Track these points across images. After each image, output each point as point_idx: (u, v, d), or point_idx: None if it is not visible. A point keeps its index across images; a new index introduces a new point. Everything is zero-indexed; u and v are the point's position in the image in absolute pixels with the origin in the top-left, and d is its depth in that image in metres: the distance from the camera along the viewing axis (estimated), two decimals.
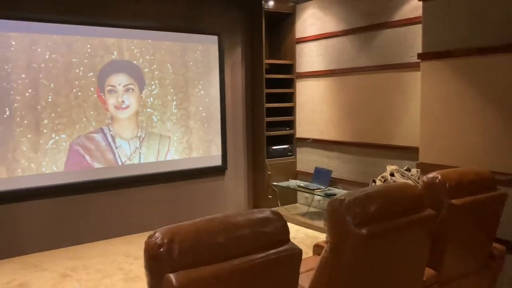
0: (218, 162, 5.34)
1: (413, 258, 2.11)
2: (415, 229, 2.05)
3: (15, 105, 4.08)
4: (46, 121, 4.23)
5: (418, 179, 3.88)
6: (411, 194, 2.15)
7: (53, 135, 4.27)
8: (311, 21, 5.37)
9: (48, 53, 4.22)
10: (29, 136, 4.15)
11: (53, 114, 4.27)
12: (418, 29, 3.84)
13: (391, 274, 2.04)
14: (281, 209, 5.39)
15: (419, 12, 3.69)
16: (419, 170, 3.80)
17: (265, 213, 1.71)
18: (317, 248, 2.85)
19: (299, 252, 1.68)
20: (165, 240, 1.44)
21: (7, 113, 4.05)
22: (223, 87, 5.33)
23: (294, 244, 1.69)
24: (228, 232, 1.57)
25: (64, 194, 4.40)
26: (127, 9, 4.67)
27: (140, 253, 1.51)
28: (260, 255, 1.58)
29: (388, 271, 2.01)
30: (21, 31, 4.08)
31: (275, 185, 5.47)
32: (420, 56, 3.41)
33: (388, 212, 1.97)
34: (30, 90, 4.14)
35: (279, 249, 1.64)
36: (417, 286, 2.21)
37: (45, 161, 4.24)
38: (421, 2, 3.40)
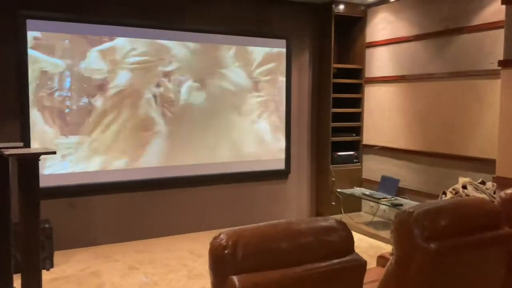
0: (281, 165, 5.36)
1: (486, 279, 1.99)
2: (490, 248, 1.93)
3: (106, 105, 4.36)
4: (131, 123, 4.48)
5: (494, 193, 3.65)
6: (486, 210, 2.02)
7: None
8: (382, 26, 5.24)
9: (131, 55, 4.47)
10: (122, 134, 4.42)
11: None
12: (498, 34, 3.62)
13: None
14: (344, 217, 5.30)
15: (500, 16, 3.48)
16: (495, 184, 3.58)
17: (330, 221, 1.69)
18: (381, 259, 2.77)
19: (364, 263, 1.64)
20: (230, 242, 1.47)
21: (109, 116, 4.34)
22: (289, 90, 5.34)
23: (359, 255, 1.66)
24: (292, 239, 1.56)
25: (136, 190, 4.62)
26: (198, 13, 4.82)
27: (204, 251, 1.56)
28: (323, 264, 1.56)
29: None
30: (100, 34, 4.35)
31: (339, 192, 5.39)
32: (501, 63, 3.22)
33: (460, 227, 1.87)
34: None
35: (343, 259, 1.61)
36: None
37: (125, 157, 4.49)
38: (503, 6, 3.21)
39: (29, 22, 4.03)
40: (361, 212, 5.62)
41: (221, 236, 1.51)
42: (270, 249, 1.51)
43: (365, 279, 2.50)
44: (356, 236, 4.89)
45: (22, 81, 4.05)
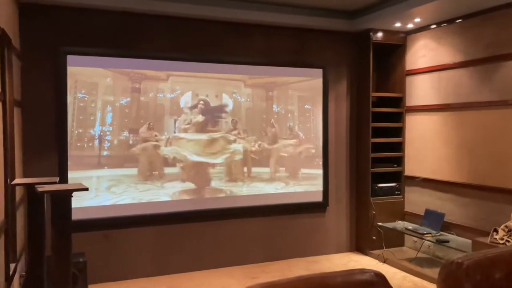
0: (319, 198, 5.18)
1: None
2: None
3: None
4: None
5: None
6: None
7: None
8: (422, 52, 5.05)
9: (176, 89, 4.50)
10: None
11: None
12: None
13: None
14: (386, 252, 5.02)
15: None
16: None
17: (367, 274, 1.53)
18: None
19: None
20: None
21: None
22: (326, 120, 5.21)
23: None
24: None
25: (171, 222, 4.57)
26: (236, 45, 4.83)
27: (238, 287, 1.43)
28: None
29: None
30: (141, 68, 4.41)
31: (380, 226, 5.14)
32: None
33: None
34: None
35: None
36: None
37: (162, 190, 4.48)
38: None
39: (69, 57, 4.13)
40: (403, 247, 5.33)
41: None
42: None
43: None
44: (399, 273, 4.62)
45: (61, 115, 4.13)
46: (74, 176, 4.16)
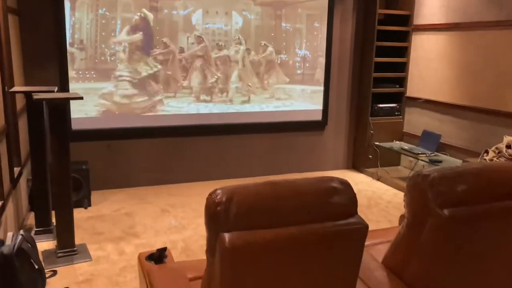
0: (318, 116, 5.22)
1: (504, 252, 1.87)
2: (510, 218, 1.80)
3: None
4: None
5: None
6: None
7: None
8: None
9: None
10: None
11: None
12: None
13: (476, 264, 1.84)
14: (380, 171, 5.16)
15: None
16: None
17: (334, 182, 1.62)
18: (402, 219, 2.67)
19: (365, 227, 1.57)
20: (224, 199, 1.44)
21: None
22: (330, 38, 5.09)
23: (361, 218, 1.59)
24: (290, 199, 1.52)
25: (173, 135, 4.70)
26: None
27: None
28: (321, 226, 1.51)
29: (473, 259, 1.81)
30: None
31: (377, 145, 5.22)
32: None
33: (479, 195, 1.75)
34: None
35: (344, 221, 1.55)
36: (508, 282, 1.97)
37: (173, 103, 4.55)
38: None
39: None
40: (399, 167, 5.45)
41: (217, 192, 1.48)
42: (265, 208, 1.47)
43: (383, 238, 2.45)
44: (392, 191, 4.78)
45: (59, 24, 4.09)
46: (92, 86, 4.23)
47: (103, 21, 4.25)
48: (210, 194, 1.49)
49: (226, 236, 1.41)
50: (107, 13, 4.24)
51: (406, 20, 5.15)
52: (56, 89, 3.39)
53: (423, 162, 4.78)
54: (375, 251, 2.22)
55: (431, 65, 4.92)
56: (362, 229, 1.57)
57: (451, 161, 4.48)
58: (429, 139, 4.86)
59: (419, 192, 1.76)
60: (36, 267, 2.61)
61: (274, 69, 4.96)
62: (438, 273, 1.78)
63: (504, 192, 1.78)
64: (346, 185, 1.63)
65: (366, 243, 2.35)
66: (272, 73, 4.96)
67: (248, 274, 1.44)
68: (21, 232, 2.65)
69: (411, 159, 5.10)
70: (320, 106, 5.20)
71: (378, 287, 1.82)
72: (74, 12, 4.13)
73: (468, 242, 1.77)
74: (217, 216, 1.43)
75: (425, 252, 1.77)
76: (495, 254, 1.86)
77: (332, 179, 1.65)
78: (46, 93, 3.03)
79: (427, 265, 1.77)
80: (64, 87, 4.15)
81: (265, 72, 4.92)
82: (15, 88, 3.27)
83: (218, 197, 1.46)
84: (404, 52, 5.22)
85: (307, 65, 5.08)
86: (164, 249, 2.04)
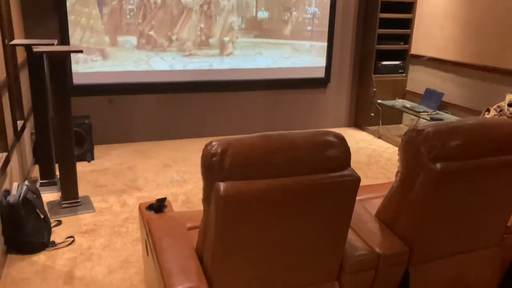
0: (321, 74, 5.19)
1: (495, 206, 1.91)
2: (502, 173, 1.83)
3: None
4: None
5: None
6: (509, 132, 1.88)
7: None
8: None
9: None
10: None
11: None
12: None
13: (466, 217, 1.89)
14: (382, 129, 5.18)
15: None
16: None
17: (328, 136, 1.64)
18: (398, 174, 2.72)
19: (357, 179, 1.61)
20: (219, 151, 1.48)
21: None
22: None
23: (354, 171, 1.63)
24: (285, 151, 1.55)
25: (175, 91, 4.70)
26: None
27: None
28: (314, 177, 1.55)
29: (463, 213, 1.86)
30: None
31: (379, 103, 5.21)
32: None
33: (472, 150, 1.77)
34: None
35: (336, 173, 1.59)
36: (495, 235, 2.03)
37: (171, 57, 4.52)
38: None
39: None
40: (401, 125, 5.46)
41: (212, 143, 1.52)
42: (259, 159, 1.51)
43: (378, 193, 2.51)
44: (392, 148, 4.81)
45: None
46: (95, 40, 4.19)
47: None
48: (206, 146, 1.52)
49: (221, 185, 1.45)
50: None
51: None
52: (56, 42, 3.38)
53: (424, 120, 4.78)
54: (370, 205, 2.27)
55: (436, 22, 4.83)
56: (354, 181, 1.61)
57: (452, 119, 4.47)
58: (432, 97, 4.84)
59: (412, 146, 1.78)
60: (42, 216, 2.70)
61: (280, 24, 4.88)
62: (428, 225, 1.83)
63: (496, 147, 1.80)
64: (340, 139, 1.65)
65: (362, 197, 2.42)
66: (278, 27, 4.89)
67: (242, 222, 1.50)
68: (26, 182, 2.72)
69: (413, 117, 5.10)
70: (322, 63, 5.15)
71: (370, 237, 1.88)
72: None
73: (458, 195, 1.81)
74: (212, 166, 1.47)
75: (416, 205, 1.82)
76: (483, 207, 1.91)
77: (327, 132, 1.67)
78: (46, 46, 3.02)
79: (418, 218, 1.83)
80: (64, 41, 4.13)
81: (270, 27, 4.85)
82: (15, 41, 3.26)
83: (214, 148, 1.49)
84: (410, 8, 5.10)
85: (317, 21, 4.99)
86: (164, 199, 2.10)
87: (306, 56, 5.07)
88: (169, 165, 4.16)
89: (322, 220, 1.63)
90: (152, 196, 3.45)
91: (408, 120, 5.37)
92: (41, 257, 2.60)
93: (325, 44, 5.08)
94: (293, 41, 4.97)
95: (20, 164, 3.33)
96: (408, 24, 5.15)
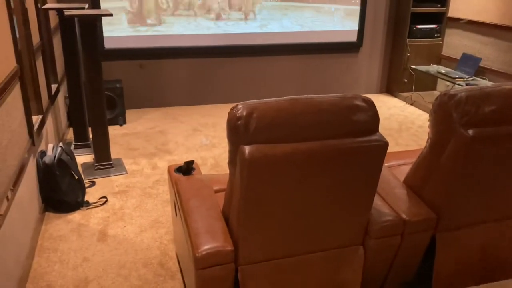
0: (353, 37, 5.05)
1: None
2: None
3: None
4: None
5: None
6: None
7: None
8: None
9: None
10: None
11: None
12: None
13: (496, 186, 1.84)
14: (415, 95, 5.04)
15: None
16: None
17: (356, 100, 1.62)
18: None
19: (385, 144, 1.59)
20: (244, 114, 1.48)
21: None
22: None
23: (382, 136, 1.60)
24: (311, 115, 1.53)
25: (205, 56, 4.69)
26: None
27: None
28: (340, 142, 1.54)
29: (493, 181, 1.82)
30: None
31: (413, 69, 5.05)
32: None
33: (508, 116, 1.71)
34: None
35: (364, 138, 1.58)
36: None
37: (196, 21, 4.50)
38: None
39: None
40: (435, 91, 5.30)
41: (238, 107, 1.52)
42: (285, 123, 1.50)
43: (407, 159, 2.47)
44: (425, 115, 4.70)
45: None
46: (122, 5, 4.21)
47: None
48: (231, 109, 1.52)
49: (246, 148, 1.46)
50: None
51: None
52: (86, 6, 3.40)
53: (459, 87, 4.62)
54: (399, 171, 2.25)
55: None
56: (382, 146, 1.59)
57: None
58: (468, 63, 4.66)
59: (444, 111, 1.73)
60: (76, 177, 2.81)
61: None
62: (457, 192, 1.80)
63: None
64: (368, 103, 1.62)
65: (391, 163, 2.40)
66: None
67: (267, 185, 1.51)
68: (61, 144, 2.82)
69: (448, 83, 4.92)
70: (355, 27, 5.00)
71: (396, 203, 1.87)
72: None
73: (489, 163, 1.76)
74: (237, 129, 1.48)
75: (446, 171, 1.79)
76: None
77: (355, 96, 1.64)
78: (77, 9, 3.05)
79: (447, 185, 1.79)
80: (95, 5, 4.15)
81: None
82: (48, 5, 3.30)
83: (239, 111, 1.49)
84: None
85: None
86: (192, 161, 2.14)
87: (337, 19, 4.93)
88: (199, 129, 4.20)
89: (348, 185, 1.63)
90: (182, 159, 3.51)
91: (442, 86, 5.20)
92: (76, 216, 2.72)
93: (357, 7, 4.92)
94: (323, 4, 4.83)
95: (55, 126, 3.44)
96: None
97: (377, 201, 1.88)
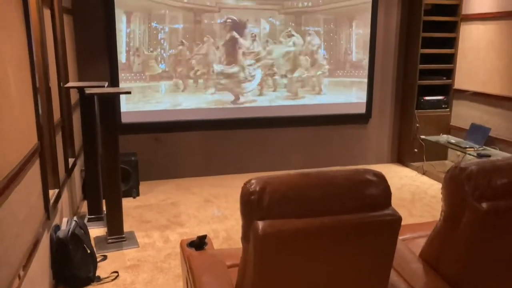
0: (362, 109, 5.18)
1: None
2: None
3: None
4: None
5: None
6: None
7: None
8: None
9: None
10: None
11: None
12: None
13: None
14: (426, 165, 5.05)
15: None
16: None
17: (368, 174, 1.64)
18: None
19: (399, 219, 1.59)
20: (257, 189, 1.51)
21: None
22: (375, 28, 5.02)
23: (395, 210, 1.61)
24: (323, 189, 1.55)
25: (218, 128, 4.82)
26: None
27: None
28: (353, 217, 1.54)
29: (509, 252, 1.78)
30: None
31: (422, 139, 5.11)
32: None
33: None
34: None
35: (377, 213, 1.58)
36: None
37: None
38: None
39: None
40: (446, 161, 5.31)
41: (251, 181, 1.55)
42: (297, 198, 1.52)
43: (421, 232, 2.43)
44: (437, 185, 4.68)
45: (110, 24, 4.29)
46: (142, 85, 4.43)
47: (154, 32, 4.42)
48: (245, 184, 1.55)
49: (260, 224, 1.47)
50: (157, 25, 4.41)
51: (454, 10, 4.98)
52: (106, 84, 3.58)
53: (471, 156, 4.64)
54: (414, 245, 2.21)
55: (480, 56, 4.75)
56: (396, 221, 1.59)
57: (500, 155, 4.32)
58: (478, 133, 4.70)
59: (456, 184, 1.75)
60: (88, 251, 2.80)
61: (316, 63, 4.96)
62: (472, 263, 1.76)
63: None
64: (380, 177, 1.64)
65: (405, 236, 2.36)
66: (314, 66, 4.96)
67: (280, 261, 1.50)
68: (75, 218, 2.84)
69: (459, 153, 4.95)
70: (363, 99, 5.15)
71: (413, 278, 1.82)
72: (129, 24, 4.33)
73: (506, 235, 1.74)
74: (251, 205, 1.50)
75: (461, 244, 1.76)
76: None
77: (366, 171, 1.67)
78: (97, 88, 3.21)
79: (463, 257, 1.76)
80: (114, 83, 4.36)
81: (309, 65, 4.93)
82: (70, 84, 3.49)
83: (253, 186, 1.52)
84: (452, 43, 5.06)
85: (356, 58, 5.04)
86: (204, 236, 2.14)
87: (346, 92, 5.09)
88: (211, 200, 4.22)
89: (362, 261, 1.61)
90: (194, 232, 3.50)
91: (453, 156, 5.21)
92: None
93: (365, 80, 5.09)
94: (332, 78, 5.02)
95: (70, 200, 3.49)
96: (450, 59, 5.09)
97: (393, 277, 1.84)
